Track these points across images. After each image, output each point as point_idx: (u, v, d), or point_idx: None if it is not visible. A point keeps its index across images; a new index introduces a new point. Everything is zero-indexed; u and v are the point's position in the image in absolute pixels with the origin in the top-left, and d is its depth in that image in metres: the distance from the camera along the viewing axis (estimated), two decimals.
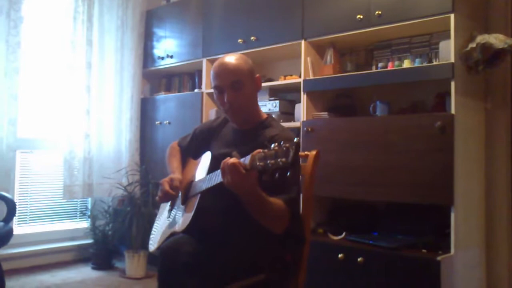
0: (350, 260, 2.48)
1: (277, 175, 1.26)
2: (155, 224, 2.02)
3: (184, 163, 2.01)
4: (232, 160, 1.37)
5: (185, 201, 1.82)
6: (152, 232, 2.00)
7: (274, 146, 1.26)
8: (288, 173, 1.25)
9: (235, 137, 1.80)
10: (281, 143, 1.26)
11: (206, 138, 1.93)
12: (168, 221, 1.89)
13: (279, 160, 1.24)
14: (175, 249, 1.57)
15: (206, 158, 1.83)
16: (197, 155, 1.93)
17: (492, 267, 2.66)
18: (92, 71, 3.89)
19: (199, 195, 1.70)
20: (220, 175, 1.47)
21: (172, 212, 1.90)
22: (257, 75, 1.80)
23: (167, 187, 1.80)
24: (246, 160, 1.35)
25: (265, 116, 1.83)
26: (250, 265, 1.62)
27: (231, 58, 1.74)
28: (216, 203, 1.66)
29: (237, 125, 1.81)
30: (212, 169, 1.70)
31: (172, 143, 2.10)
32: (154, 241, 1.92)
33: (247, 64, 1.75)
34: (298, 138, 1.28)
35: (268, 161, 1.26)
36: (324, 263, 2.57)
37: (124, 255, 3.59)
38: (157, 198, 1.86)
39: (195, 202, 1.70)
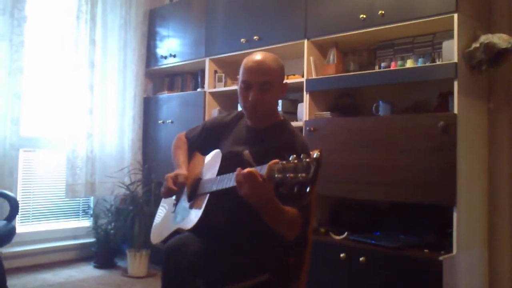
0: (352, 260, 2.48)
1: (295, 189, 1.24)
2: (157, 215, 2.00)
3: (190, 156, 1.98)
4: (249, 169, 1.35)
5: (191, 198, 1.81)
6: (154, 222, 1.98)
7: (293, 159, 1.24)
8: (308, 189, 1.23)
9: (248, 135, 1.78)
10: (301, 156, 1.24)
11: (217, 133, 1.89)
12: (172, 215, 1.88)
13: (299, 175, 1.22)
14: (181, 248, 1.57)
15: (215, 156, 1.80)
16: (205, 151, 1.91)
17: (495, 267, 2.65)
18: (95, 70, 3.90)
19: (208, 195, 1.69)
20: (233, 179, 1.46)
21: (178, 206, 1.88)
22: (285, 81, 1.78)
23: (170, 183, 1.79)
24: (263, 169, 1.33)
25: (280, 118, 1.81)
26: (255, 266, 1.62)
27: (266, 57, 1.71)
28: (224, 205, 1.66)
29: (251, 123, 1.79)
30: (222, 168, 1.68)
31: (179, 134, 2.06)
32: (157, 233, 1.91)
33: (280, 67, 1.73)
34: (319, 153, 1.25)
35: (287, 174, 1.24)
36: (326, 262, 2.57)
37: (126, 254, 3.59)
38: (161, 193, 1.85)
39: (203, 201, 1.69)
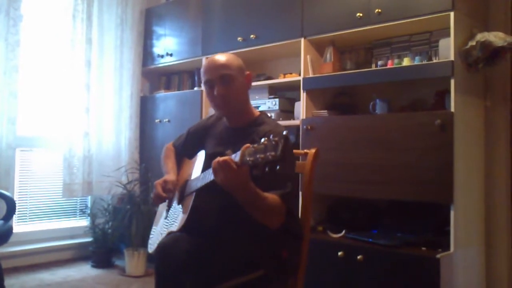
0: (350, 258, 2.48)
1: (267, 169, 1.26)
2: (153, 225, 2.02)
3: (180, 163, 2.01)
4: (223, 157, 1.37)
5: (181, 201, 1.83)
6: (151, 233, 2.00)
7: (264, 141, 1.26)
8: (278, 167, 1.25)
9: (228, 135, 1.80)
10: (271, 137, 1.25)
11: (200, 137, 1.93)
12: (166, 221, 1.89)
13: (268, 154, 1.23)
14: (172, 246, 1.58)
15: (200, 157, 1.83)
16: (192, 155, 1.93)
17: (492, 264, 2.67)
18: (91, 69, 3.88)
19: (194, 194, 1.70)
20: (211, 173, 1.47)
21: (170, 212, 1.90)
22: (248, 72, 1.81)
23: (159, 189, 1.81)
24: (237, 156, 1.35)
25: (257, 113, 1.83)
26: (246, 262, 1.62)
27: (221, 55, 1.78)
28: (211, 201, 1.67)
29: (229, 122, 1.82)
30: (206, 167, 1.70)
31: (167, 144, 2.11)
32: (153, 242, 1.92)
33: (237, 61, 1.78)
34: (287, 131, 1.28)
35: (258, 156, 1.26)
36: (323, 261, 2.58)
37: (123, 253, 3.59)
38: (152, 200, 1.87)
39: (190, 201, 1.71)
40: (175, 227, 1.72)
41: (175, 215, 1.81)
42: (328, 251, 2.57)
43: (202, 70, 1.78)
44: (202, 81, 1.78)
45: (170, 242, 1.61)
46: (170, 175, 1.88)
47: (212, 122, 1.93)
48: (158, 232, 1.91)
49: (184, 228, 1.65)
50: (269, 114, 2.01)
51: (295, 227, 1.72)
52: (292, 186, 1.59)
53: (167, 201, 1.92)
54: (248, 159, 1.29)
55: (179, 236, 1.63)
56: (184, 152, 2.01)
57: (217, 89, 1.71)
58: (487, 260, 2.67)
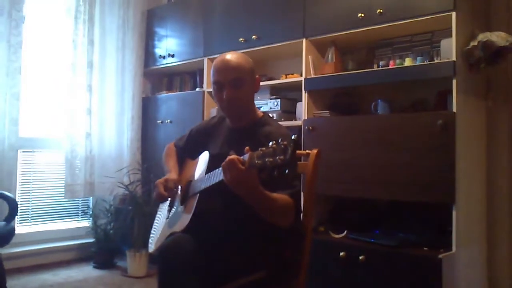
0: (352, 258, 2.48)
1: (275, 172, 1.26)
2: (154, 224, 2.02)
3: (181, 163, 2.02)
4: (231, 156, 1.37)
5: (184, 201, 1.82)
6: (152, 232, 2.00)
7: (272, 144, 1.27)
8: (287, 171, 1.25)
9: (232, 136, 1.80)
10: (279, 140, 1.26)
11: (203, 138, 1.93)
12: (167, 221, 1.89)
13: (277, 158, 1.24)
14: (175, 247, 1.57)
15: (204, 158, 1.83)
16: (194, 155, 1.93)
17: (494, 264, 2.66)
18: (93, 70, 3.89)
19: (198, 195, 1.70)
20: (219, 174, 1.48)
21: (171, 212, 1.90)
22: (257, 76, 1.80)
23: (161, 189, 1.81)
24: (245, 158, 1.36)
25: (261, 114, 1.84)
26: (250, 263, 1.62)
27: (233, 56, 1.75)
28: (215, 203, 1.67)
29: (232, 123, 1.82)
30: (210, 168, 1.70)
31: (169, 144, 2.11)
32: (154, 242, 1.92)
33: (249, 64, 1.76)
34: (296, 135, 1.28)
35: (267, 159, 1.26)
36: (325, 261, 2.57)
37: (125, 254, 3.59)
38: (153, 198, 1.87)
39: (194, 202, 1.70)
40: (178, 227, 1.72)
41: (178, 215, 1.81)
42: (330, 252, 2.56)
43: (213, 68, 1.75)
44: (212, 80, 1.76)
45: (173, 243, 1.60)
46: (171, 174, 1.89)
47: (214, 123, 1.93)
48: (160, 232, 1.91)
49: (188, 229, 1.65)
50: (270, 115, 2.02)
51: (298, 225, 1.72)
52: (299, 185, 1.59)
53: (169, 200, 1.92)
54: (256, 162, 1.30)
55: (182, 237, 1.62)
56: (186, 152, 2.02)
57: (227, 92, 1.70)
58: (489, 260, 2.67)
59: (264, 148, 1.29)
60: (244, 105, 1.75)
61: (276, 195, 1.48)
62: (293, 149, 1.23)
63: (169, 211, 1.92)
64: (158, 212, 2.05)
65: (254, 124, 1.78)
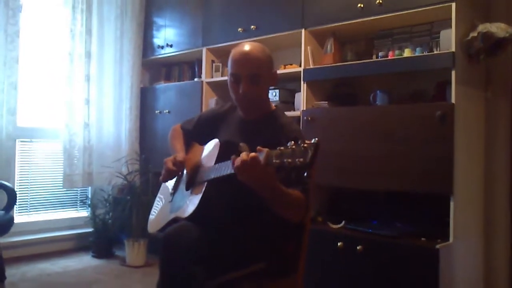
0: (350, 249, 2.50)
1: (293, 174, 1.26)
2: (155, 205, 2.01)
3: (187, 146, 1.99)
4: (252, 154, 1.35)
5: (189, 187, 1.82)
6: (152, 213, 1.99)
7: (291, 145, 1.26)
8: (306, 174, 1.25)
9: (243, 127, 1.79)
10: (299, 142, 1.25)
11: (213, 124, 1.90)
12: (170, 204, 1.88)
13: (296, 160, 1.23)
14: (179, 235, 1.57)
15: (213, 145, 1.80)
16: (202, 141, 1.91)
17: (490, 255, 2.68)
18: (91, 60, 3.88)
19: (205, 184, 1.69)
20: (230, 166, 1.47)
21: (175, 195, 1.89)
22: (274, 70, 1.78)
23: (170, 164, 1.78)
24: (261, 155, 1.34)
25: (273, 107, 1.82)
26: (252, 254, 1.63)
27: (254, 48, 1.70)
28: (222, 192, 1.66)
29: (244, 114, 1.80)
30: (220, 158, 1.69)
31: (175, 126, 2.07)
32: (155, 222, 1.91)
33: (268, 58, 1.73)
34: (317, 139, 1.26)
35: (285, 159, 1.26)
36: (323, 251, 2.59)
37: (124, 243, 3.60)
38: (160, 178, 1.84)
39: (201, 189, 1.69)
40: (182, 213, 1.71)
41: (182, 200, 1.80)
42: (328, 242, 2.58)
43: (231, 59, 1.71)
44: (229, 71, 1.72)
45: (177, 231, 1.60)
46: (179, 154, 1.86)
47: (225, 111, 1.90)
48: (161, 213, 1.90)
49: (192, 216, 1.65)
50: None
51: (305, 220, 1.72)
52: (311, 180, 1.59)
53: (173, 182, 1.91)
54: (274, 161, 1.29)
55: (185, 225, 1.62)
56: (193, 136, 1.98)
57: (243, 87, 1.67)
58: (486, 251, 2.68)
59: (282, 148, 1.28)
60: (259, 99, 1.74)
61: (289, 190, 1.48)
62: (313, 153, 1.22)
63: (172, 194, 1.91)
64: (159, 194, 2.04)
65: (266, 117, 1.76)
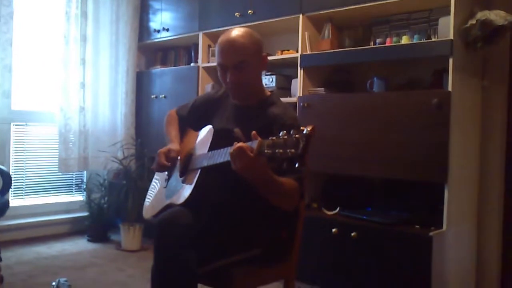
0: (344, 235, 2.51)
1: (284, 165, 1.26)
2: (149, 190, 2.01)
3: (182, 132, 1.99)
4: (240, 144, 1.36)
5: (183, 173, 1.82)
6: (147, 198, 1.99)
7: (283, 135, 1.25)
8: (297, 165, 1.24)
9: (237, 113, 1.78)
10: (291, 132, 1.25)
11: (207, 110, 1.89)
12: (164, 190, 1.88)
13: (288, 150, 1.23)
14: (172, 221, 1.57)
15: (207, 132, 1.80)
16: (197, 127, 1.90)
17: (483, 242, 2.70)
18: (87, 44, 3.85)
19: (199, 170, 1.69)
20: (224, 154, 1.47)
21: (170, 181, 1.89)
22: (264, 53, 1.76)
23: (163, 159, 1.79)
24: (253, 144, 1.34)
25: (268, 93, 1.81)
26: (246, 241, 1.64)
27: (238, 35, 1.68)
28: (215, 180, 1.66)
29: (238, 101, 1.79)
30: (213, 144, 1.68)
31: (170, 111, 2.06)
32: (150, 208, 1.92)
33: (255, 43, 1.71)
34: (312, 126, 1.25)
35: (277, 150, 1.26)
36: (317, 237, 2.60)
37: (119, 228, 3.61)
38: (152, 167, 1.85)
39: (194, 176, 1.69)
40: (176, 199, 1.72)
41: (176, 187, 1.80)
42: (323, 228, 2.59)
43: (217, 48, 1.70)
44: (216, 61, 1.72)
45: (171, 216, 1.60)
46: (174, 144, 1.87)
47: (220, 96, 1.89)
48: (156, 199, 1.91)
49: (186, 202, 1.65)
50: None
51: (298, 207, 1.73)
52: (305, 168, 1.59)
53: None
54: (266, 151, 1.29)
55: (179, 211, 1.62)
56: (188, 122, 1.98)
57: (231, 75, 1.66)
58: (478, 238, 2.71)
59: (274, 138, 1.27)
60: (249, 86, 1.72)
61: (283, 179, 1.48)
62: (305, 144, 1.22)
63: (167, 180, 1.91)
64: (155, 179, 2.04)
65: (260, 103, 1.76)
